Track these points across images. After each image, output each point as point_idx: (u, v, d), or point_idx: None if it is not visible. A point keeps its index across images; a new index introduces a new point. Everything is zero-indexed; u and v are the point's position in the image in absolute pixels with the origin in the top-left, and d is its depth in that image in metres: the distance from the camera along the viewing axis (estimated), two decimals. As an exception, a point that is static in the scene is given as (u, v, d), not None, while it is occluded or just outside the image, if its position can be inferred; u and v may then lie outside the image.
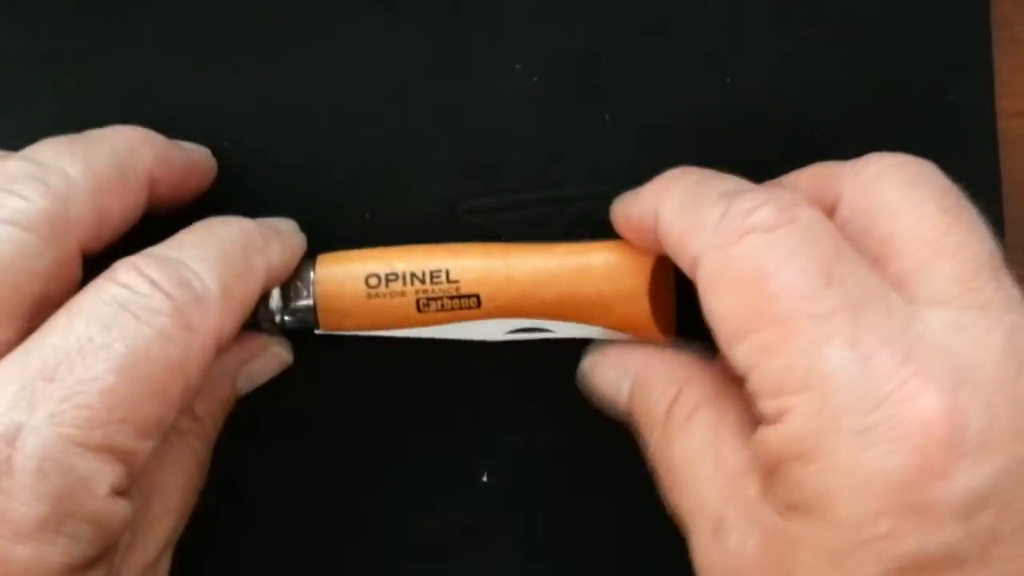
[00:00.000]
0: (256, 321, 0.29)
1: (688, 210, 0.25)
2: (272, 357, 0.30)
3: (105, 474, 0.23)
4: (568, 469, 0.32)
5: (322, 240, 0.31)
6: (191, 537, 0.28)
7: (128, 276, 0.24)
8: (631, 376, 0.28)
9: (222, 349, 0.25)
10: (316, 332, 0.30)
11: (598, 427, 0.31)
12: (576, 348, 0.30)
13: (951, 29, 0.31)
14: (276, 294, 0.29)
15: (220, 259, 0.26)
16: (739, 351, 0.24)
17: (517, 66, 0.31)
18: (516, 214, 0.31)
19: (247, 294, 0.26)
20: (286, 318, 0.29)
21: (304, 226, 0.31)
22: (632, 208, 0.28)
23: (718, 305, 0.24)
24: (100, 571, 0.24)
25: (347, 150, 0.31)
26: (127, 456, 0.23)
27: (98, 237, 0.26)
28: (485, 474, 0.32)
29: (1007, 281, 0.24)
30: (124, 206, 0.27)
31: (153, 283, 0.24)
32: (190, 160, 0.29)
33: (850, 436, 0.22)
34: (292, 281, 0.29)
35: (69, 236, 0.25)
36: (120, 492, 0.23)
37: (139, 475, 0.24)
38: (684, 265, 0.25)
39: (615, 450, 0.30)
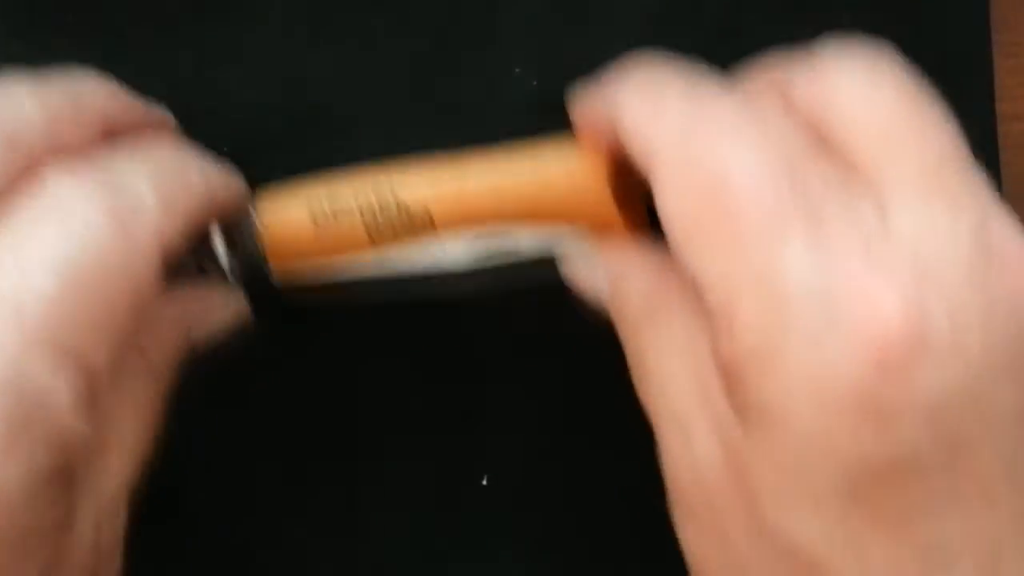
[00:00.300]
0: (206, 275, 0.28)
1: (650, 105, 0.24)
2: (226, 307, 0.29)
3: (62, 382, 0.22)
4: (568, 472, 0.31)
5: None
6: (190, 536, 0.28)
7: (55, 180, 0.24)
8: (609, 272, 0.27)
9: (169, 259, 0.25)
10: (273, 284, 0.29)
11: (599, 429, 0.31)
12: (576, 349, 0.30)
13: (950, 32, 0.31)
14: (220, 243, 0.28)
15: (153, 168, 0.25)
16: (693, 252, 0.22)
17: (517, 69, 0.31)
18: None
19: (187, 204, 0.25)
20: (235, 266, 0.28)
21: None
22: (592, 103, 0.27)
23: (674, 203, 0.23)
24: (59, 496, 0.23)
25: (346, 152, 0.31)
26: (82, 363, 0.23)
27: (51, 157, 0.25)
28: (485, 477, 0.32)
29: (972, 174, 0.22)
30: (79, 136, 0.26)
31: (81, 185, 0.24)
32: (147, 110, 0.29)
33: (803, 340, 0.21)
34: (235, 227, 0.28)
35: (22, 147, 0.24)
36: (79, 405, 0.23)
37: (98, 393, 0.23)
38: (642, 161, 0.24)
39: (616, 452, 0.30)
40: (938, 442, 0.20)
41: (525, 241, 0.28)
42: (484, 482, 0.31)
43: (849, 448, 0.21)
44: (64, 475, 0.23)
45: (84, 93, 0.27)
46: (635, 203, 0.28)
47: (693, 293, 0.24)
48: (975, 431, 0.21)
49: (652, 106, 0.24)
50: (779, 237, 0.21)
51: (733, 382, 0.22)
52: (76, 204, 0.23)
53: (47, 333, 0.22)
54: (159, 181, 0.25)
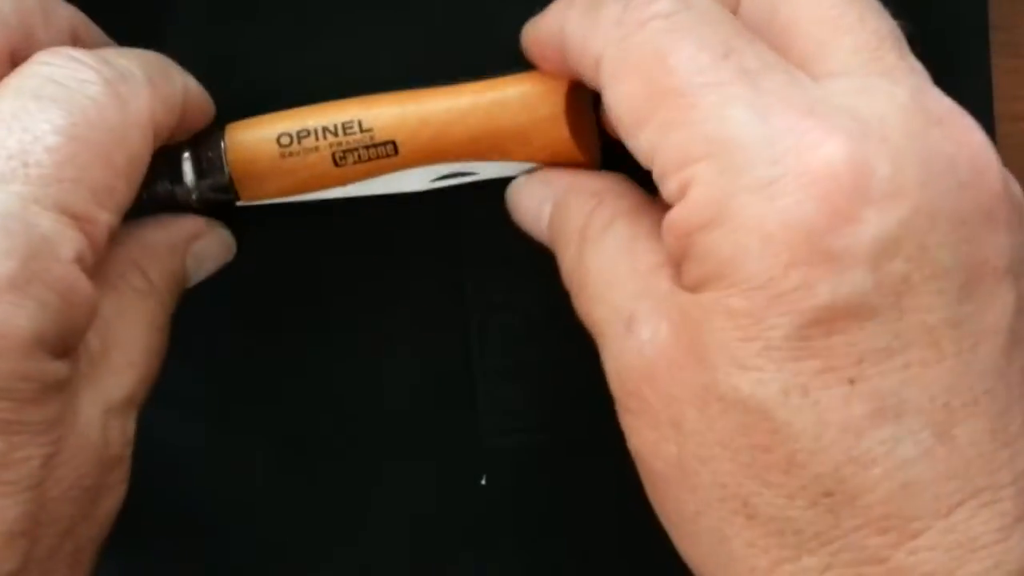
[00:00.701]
0: (175, 202, 0.29)
1: (590, 14, 0.25)
2: (216, 238, 0.30)
3: (66, 238, 0.23)
4: (567, 471, 0.32)
5: (320, 244, 0.31)
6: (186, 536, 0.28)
7: (49, 56, 0.25)
8: (553, 197, 0.28)
9: (159, 137, 0.26)
10: (239, 204, 0.30)
11: (597, 429, 0.30)
12: (576, 346, 0.30)
13: (950, 32, 0.31)
14: (189, 169, 0.29)
15: (140, 58, 0.27)
16: (642, 137, 0.23)
17: (515, 69, 0.31)
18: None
19: (171, 95, 0.27)
20: (204, 192, 0.29)
21: (300, 231, 0.31)
22: (539, 29, 0.28)
23: (620, 94, 0.24)
24: (62, 361, 0.23)
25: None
26: (85, 223, 0.24)
27: (26, 47, 0.26)
28: (484, 477, 0.32)
29: (908, 55, 0.24)
30: (48, 35, 0.27)
31: (76, 59, 0.25)
32: (104, 38, 0.30)
33: (754, 192, 0.22)
34: (204, 153, 0.29)
35: None
36: (83, 266, 0.24)
37: (100, 257, 0.24)
38: (588, 71, 0.25)
39: (615, 452, 0.30)
40: (884, 287, 0.21)
41: (484, 171, 0.29)
42: (483, 482, 0.31)
43: (800, 294, 0.21)
44: (68, 340, 0.24)
45: (54, 3, 0.28)
46: (587, 135, 0.29)
47: (632, 204, 0.27)
48: (917, 277, 0.22)
49: (590, 18, 0.25)
50: (724, 105, 0.22)
51: (687, 250, 0.23)
52: (74, 75, 0.25)
53: (52, 189, 0.23)
54: (145, 66, 0.26)
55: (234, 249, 0.31)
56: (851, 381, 0.22)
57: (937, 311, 0.22)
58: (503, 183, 0.30)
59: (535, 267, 0.31)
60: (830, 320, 0.21)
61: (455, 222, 0.31)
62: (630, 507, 0.31)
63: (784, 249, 0.21)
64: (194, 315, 0.29)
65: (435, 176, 0.29)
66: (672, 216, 0.23)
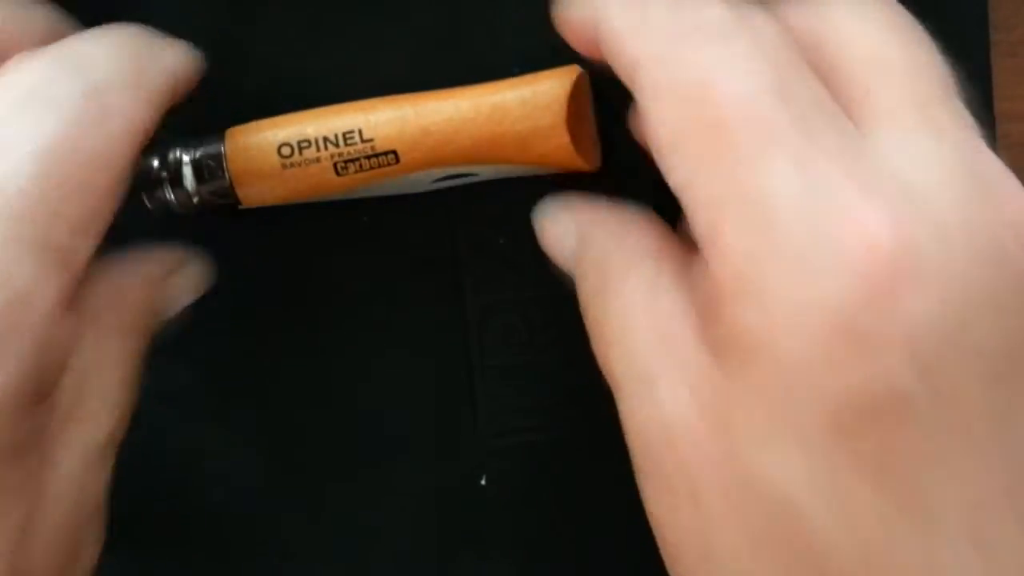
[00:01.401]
0: (175, 205, 0.29)
1: (633, 14, 0.23)
2: (191, 273, 0.29)
3: (48, 283, 0.22)
4: (567, 472, 0.32)
5: (320, 244, 0.31)
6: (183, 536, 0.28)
7: (24, 66, 0.24)
8: (577, 229, 0.27)
9: (144, 142, 0.25)
10: (240, 208, 0.30)
11: (597, 429, 0.30)
12: (576, 346, 0.30)
13: (949, 32, 0.31)
14: (189, 175, 0.29)
15: (121, 47, 0.25)
16: (676, 163, 0.22)
17: (516, 69, 0.31)
18: (518, 219, 0.31)
19: (157, 84, 0.26)
20: (205, 197, 0.29)
21: (300, 230, 0.31)
22: (574, 9, 0.26)
23: (657, 112, 0.22)
24: (38, 417, 0.23)
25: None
26: (66, 255, 0.23)
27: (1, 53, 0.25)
28: (484, 477, 0.32)
29: (961, 109, 0.22)
30: (24, 41, 0.26)
31: (53, 71, 0.24)
32: None
33: (791, 261, 0.20)
34: (204, 160, 0.29)
35: None
36: (63, 305, 0.23)
37: (80, 288, 0.23)
38: (623, 70, 0.23)
39: (615, 453, 0.30)
40: (922, 377, 0.20)
41: (485, 173, 0.29)
42: (483, 482, 0.31)
43: (833, 380, 0.20)
44: (43, 389, 0.23)
45: (29, 6, 0.26)
46: (588, 138, 0.29)
47: (656, 244, 0.24)
48: (958, 368, 0.20)
49: (635, 15, 0.23)
50: (767, 152, 0.21)
51: (715, 313, 0.21)
52: (49, 91, 0.23)
53: (29, 228, 0.22)
54: (125, 62, 0.25)
55: (209, 282, 0.30)
56: (881, 478, 0.20)
57: (977, 406, 0.20)
58: (503, 183, 0.30)
59: (535, 267, 0.31)
60: (863, 412, 0.20)
61: (454, 222, 0.31)
62: (630, 507, 0.31)
63: (818, 330, 0.20)
64: (194, 315, 0.29)
65: (436, 178, 0.29)
66: (700, 279, 0.22)
